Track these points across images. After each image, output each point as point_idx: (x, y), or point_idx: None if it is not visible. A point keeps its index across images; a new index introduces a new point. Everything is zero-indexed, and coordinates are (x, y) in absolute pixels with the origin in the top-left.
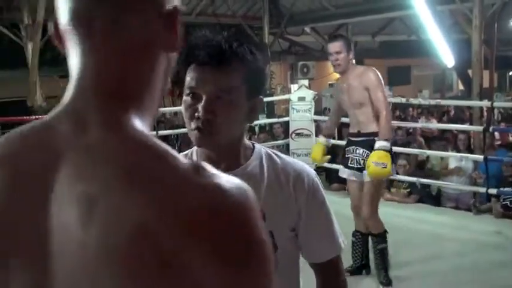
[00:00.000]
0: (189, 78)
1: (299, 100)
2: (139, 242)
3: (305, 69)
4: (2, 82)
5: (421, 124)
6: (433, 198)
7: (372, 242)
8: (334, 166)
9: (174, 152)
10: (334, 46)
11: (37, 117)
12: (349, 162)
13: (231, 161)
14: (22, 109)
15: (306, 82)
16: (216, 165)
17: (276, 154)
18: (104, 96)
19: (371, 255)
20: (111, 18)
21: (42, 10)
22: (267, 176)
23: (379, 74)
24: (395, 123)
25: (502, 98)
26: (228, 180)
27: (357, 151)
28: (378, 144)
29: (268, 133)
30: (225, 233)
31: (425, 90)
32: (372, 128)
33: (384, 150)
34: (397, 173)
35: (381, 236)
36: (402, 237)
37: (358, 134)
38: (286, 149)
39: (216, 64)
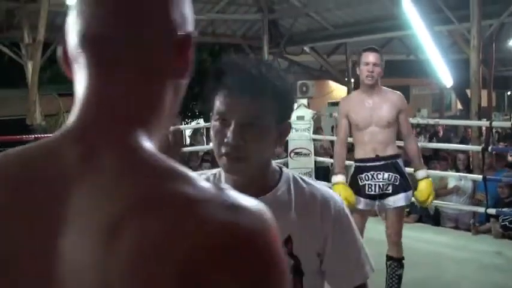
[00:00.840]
0: (218, 104)
1: (298, 119)
2: (172, 269)
3: (304, 88)
4: (1, 100)
5: (420, 144)
6: (433, 218)
7: (391, 267)
8: None
9: (191, 174)
10: (374, 56)
11: (36, 136)
12: (367, 190)
13: (259, 186)
14: (21, 127)
15: (305, 101)
16: (245, 191)
17: (302, 179)
18: (113, 121)
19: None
20: (123, 44)
21: (43, 28)
22: (294, 201)
23: None
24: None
25: (500, 117)
26: (248, 203)
27: (379, 176)
28: (425, 172)
29: None
30: (245, 258)
31: (423, 109)
32: (391, 150)
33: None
34: None
35: (401, 261)
36: None
37: (376, 159)
38: None
39: (248, 91)
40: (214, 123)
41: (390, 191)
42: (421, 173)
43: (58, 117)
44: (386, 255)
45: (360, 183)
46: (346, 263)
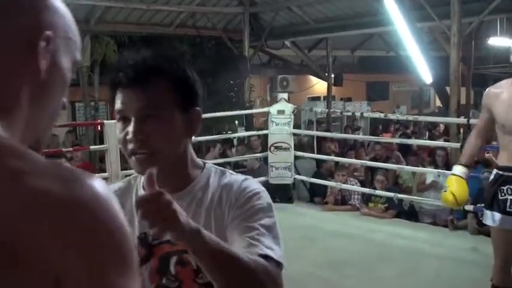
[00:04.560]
0: (116, 103)
1: (278, 113)
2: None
3: (284, 83)
4: None
5: (399, 140)
6: (411, 214)
7: None
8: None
9: (31, 152)
10: None
11: None
12: (508, 205)
13: (176, 182)
14: None
15: (285, 95)
16: (161, 187)
17: (227, 172)
18: None
19: None
20: None
21: None
22: (210, 195)
23: None
24: (376, 138)
25: (478, 115)
26: (78, 175)
27: None
28: None
29: (246, 146)
30: (76, 224)
31: (403, 106)
32: None
33: None
34: (375, 189)
35: None
36: (379, 252)
37: None
38: (264, 162)
39: (136, 84)
40: (117, 124)
41: None
42: None
43: None
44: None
45: (500, 197)
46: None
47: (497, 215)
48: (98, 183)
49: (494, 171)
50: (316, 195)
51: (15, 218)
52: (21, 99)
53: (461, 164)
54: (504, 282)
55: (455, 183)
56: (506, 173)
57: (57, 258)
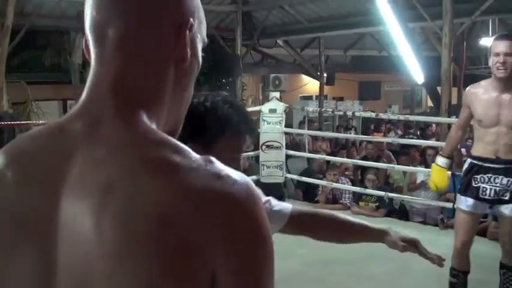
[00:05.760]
0: None
1: (270, 112)
2: (157, 226)
3: (277, 82)
4: None
5: (391, 139)
6: (401, 213)
7: (504, 276)
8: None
9: (183, 146)
10: (505, 45)
11: (3, 123)
12: (481, 192)
13: None
14: None
15: (277, 94)
16: None
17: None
18: (116, 99)
19: None
20: (124, 29)
21: (11, 14)
22: None
23: None
24: (367, 137)
25: None
26: (235, 172)
27: (497, 180)
28: None
29: None
30: (234, 221)
31: (394, 105)
32: None
33: None
34: (366, 187)
35: None
36: (369, 251)
37: (497, 160)
38: (256, 161)
39: None
40: None
41: (507, 198)
42: None
43: (26, 105)
44: (500, 263)
45: (474, 184)
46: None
47: (470, 200)
48: (248, 182)
49: (469, 160)
50: (307, 194)
51: (172, 210)
52: (167, 87)
53: (443, 155)
54: (461, 265)
55: (436, 173)
56: (479, 163)
57: (214, 251)
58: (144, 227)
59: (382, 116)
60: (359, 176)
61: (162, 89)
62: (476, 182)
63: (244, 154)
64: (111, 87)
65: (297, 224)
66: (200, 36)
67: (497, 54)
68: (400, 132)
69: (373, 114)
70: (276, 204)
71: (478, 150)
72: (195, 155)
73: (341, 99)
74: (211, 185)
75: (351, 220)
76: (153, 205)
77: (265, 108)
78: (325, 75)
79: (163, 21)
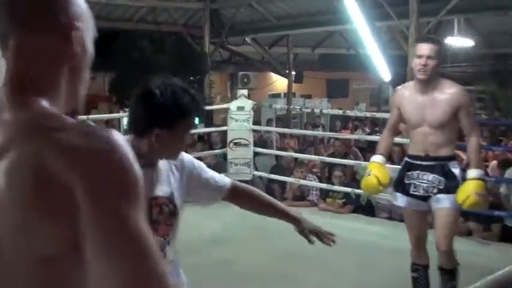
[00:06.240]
0: None
1: (238, 110)
2: (34, 172)
3: (245, 79)
4: None
5: (358, 136)
6: (368, 209)
7: (441, 279)
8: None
9: (63, 115)
10: (427, 48)
11: None
12: (412, 189)
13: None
14: None
15: (245, 92)
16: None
17: None
18: (15, 90)
19: None
20: (19, 35)
21: None
22: (173, 167)
23: None
24: (334, 134)
25: None
26: (98, 131)
27: (424, 177)
28: (476, 173)
29: (206, 142)
30: (95, 165)
31: (362, 103)
32: (444, 151)
33: (483, 180)
34: (333, 184)
35: (454, 272)
36: (336, 246)
37: (426, 158)
38: (223, 158)
39: None
40: None
41: (434, 194)
42: (470, 173)
43: None
44: (437, 266)
45: (406, 181)
46: (209, 183)
47: (403, 197)
48: (116, 137)
49: (405, 159)
50: (274, 191)
51: (48, 161)
52: (62, 78)
53: (379, 154)
54: (420, 259)
55: (377, 169)
56: (412, 161)
57: (76, 188)
58: (25, 174)
59: (350, 113)
60: (326, 173)
61: (56, 80)
62: (408, 179)
63: (211, 152)
64: (9, 82)
65: (235, 197)
66: (89, 33)
67: (420, 57)
68: (367, 129)
69: (340, 112)
70: (219, 179)
71: (411, 148)
72: (72, 121)
73: (309, 97)
74: (78, 140)
75: (276, 203)
76: (34, 157)
77: (233, 105)
78: (293, 73)
79: (51, 28)
